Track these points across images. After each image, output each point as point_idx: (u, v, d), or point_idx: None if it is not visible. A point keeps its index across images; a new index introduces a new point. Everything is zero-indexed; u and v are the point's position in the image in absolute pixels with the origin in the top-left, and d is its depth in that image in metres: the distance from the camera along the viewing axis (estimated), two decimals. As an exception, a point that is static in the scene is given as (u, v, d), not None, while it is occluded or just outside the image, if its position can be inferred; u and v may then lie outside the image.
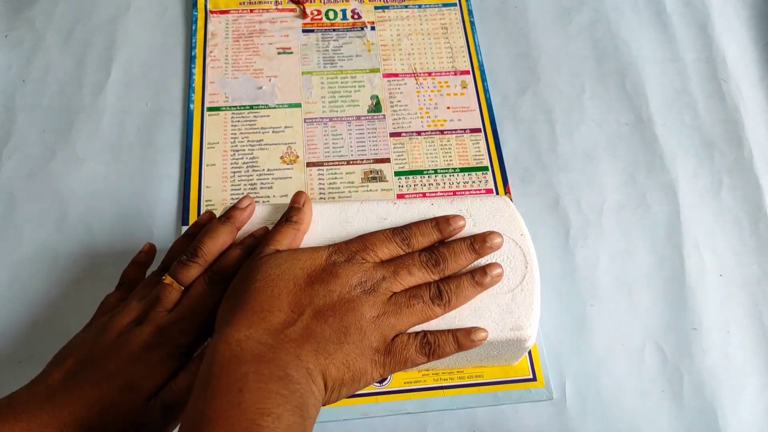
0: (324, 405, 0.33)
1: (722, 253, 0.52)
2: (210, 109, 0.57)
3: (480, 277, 0.37)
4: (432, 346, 0.36)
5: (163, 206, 0.52)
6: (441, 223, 0.39)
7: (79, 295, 0.48)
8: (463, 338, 0.36)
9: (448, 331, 0.37)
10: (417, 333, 0.36)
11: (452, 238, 0.39)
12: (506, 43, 0.62)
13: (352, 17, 0.63)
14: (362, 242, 0.37)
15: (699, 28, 0.64)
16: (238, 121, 0.56)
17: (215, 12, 0.62)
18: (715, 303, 0.50)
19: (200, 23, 0.61)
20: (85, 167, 0.53)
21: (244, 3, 0.62)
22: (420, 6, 0.64)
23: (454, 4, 0.64)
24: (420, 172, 0.55)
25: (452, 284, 0.37)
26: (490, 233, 0.39)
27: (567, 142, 0.57)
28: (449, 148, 0.56)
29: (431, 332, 0.36)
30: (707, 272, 0.51)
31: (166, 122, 0.56)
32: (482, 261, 0.39)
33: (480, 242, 0.38)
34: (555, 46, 0.62)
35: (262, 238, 0.38)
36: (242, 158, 0.54)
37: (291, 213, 0.39)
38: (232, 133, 0.56)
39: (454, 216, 0.40)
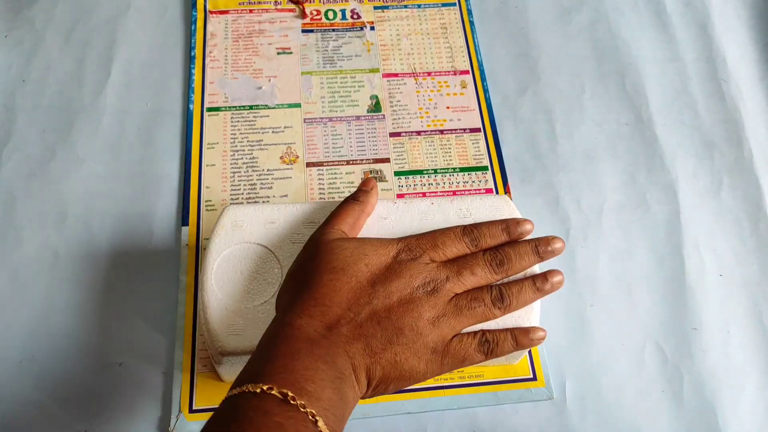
0: (367, 398, 0.34)
1: (722, 253, 0.52)
2: (209, 109, 0.57)
3: (541, 283, 0.38)
4: (491, 344, 0.36)
5: (163, 206, 0.52)
6: (511, 225, 0.39)
7: (79, 295, 0.48)
8: (521, 337, 0.37)
9: (507, 330, 0.37)
10: (475, 332, 0.36)
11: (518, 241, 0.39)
12: (506, 43, 0.62)
13: (352, 17, 0.63)
14: (432, 240, 0.37)
15: (699, 28, 0.64)
16: (238, 121, 0.56)
17: (214, 12, 0.62)
18: (715, 303, 0.50)
19: (200, 23, 0.61)
20: (85, 167, 0.53)
21: (243, 3, 0.62)
22: (419, 6, 0.64)
23: (454, 4, 0.64)
24: (420, 172, 0.55)
25: (514, 288, 0.37)
26: (554, 238, 0.38)
27: (567, 142, 0.57)
28: (449, 148, 0.56)
29: (489, 331, 0.36)
30: (707, 272, 0.51)
31: (166, 122, 0.56)
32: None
33: (544, 245, 0.38)
34: (555, 46, 0.62)
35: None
36: (242, 158, 0.54)
37: (358, 194, 0.40)
38: (231, 134, 0.56)
39: (525, 219, 0.40)
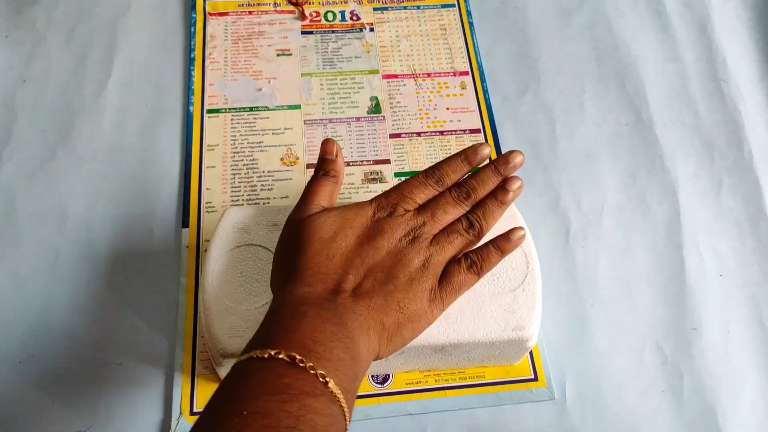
0: (384, 355, 0.35)
1: (722, 253, 0.52)
2: (209, 111, 0.57)
3: (502, 195, 0.39)
4: (478, 262, 0.38)
5: (163, 207, 0.52)
6: (470, 155, 0.40)
7: (79, 295, 0.48)
8: (503, 243, 0.38)
9: (488, 242, 0.38)
10: (460, 258, 0.38)
11: (480, 174, 0.40)
12: (506, 43, 0.62)
13: (351, 18, 0.63)
14: (400, 192, 0.38)
15: (699, 28, 0.64)
16: (238, 123, 0.56)
17: (214, 14, 0.62)
18: (715, 303, 0.50)
19: (199, 25, 0.61)
20: (86, 167, 0.53)
21: (242, 5, 0.62)
22: (419, 7, 0.64)
23: (453, 5, 0.64)
24: (420, 173, 0.55)
25: (479, 212, 0.38)
26: (511, 152, 0.39)
27: (567, 142, 0.57)
28: (449, 149, 0.56)
29: (472, 251, 0.38)
30: (707, 272, 0.51)
31: (166, 123, 0.56)
32: None
33: (503, 164, 0.39)
34: (555, 46, 0.62)
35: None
36: (242, 160, 0.54)
37: (326, 165, 0.40)
38: (231, 135, 0.56)
39: (480, 145, 0.40)
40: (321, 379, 0.29)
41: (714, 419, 0.46)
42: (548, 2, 0.65)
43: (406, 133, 0.57)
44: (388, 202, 0.38)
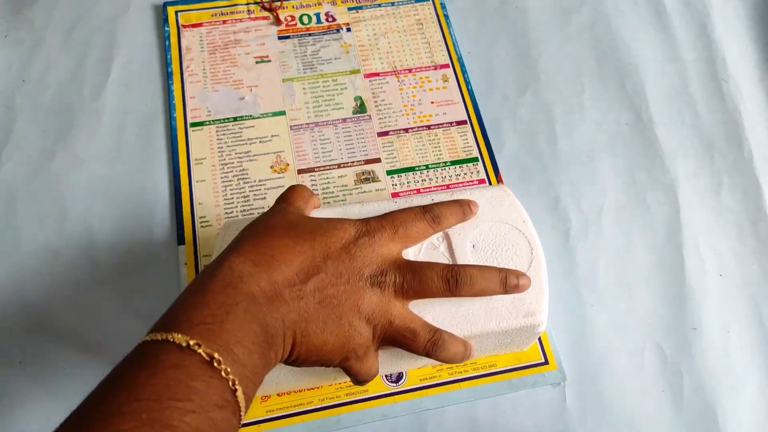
0: (290, 364, 0.33)
1: (722, 253, 0.52)
2: (193, 124, 0.55)
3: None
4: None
5: (162, 207, 0.52)
6: (464, 206, 0.40)
7: (79, 295, 0.48)
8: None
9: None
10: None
11: (486, 264, 0.38)
12: (506, 43, 0.62)
13: (327, 20, 0.62)
14: (392, 222, 0.36)
15: (699, 28, 0.64)
16: (224, 134, 0.55)
17: (187, 26, 0.60)
18: (715, 303, 0.50)
19: (173, 39, 0.60)
20: (85, 167, 0.53)
21: (216, 15, 0.61)
22: (393, 4, 0.63)
23: (426, 0, 0.64)
24: (412, 169, 0.54)
25: (450, 342, 0.36)
26: (524, 274, 0.37)
27: (567, 142, 0.57)
28: (437, 143, 0.56)
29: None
30: (707, 272, 0.51)
31: (165, 123, 0.56)
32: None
33: (513, 277, 0.37)
34: (555, 46, 0.62)
35: None
36: (232, 171, 0.53)
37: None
38: (218, 147, 0.55)
39: (473, 201, 0.40)
40: (232, 386, 0.27)
41: (714, 419, 0.46)
42: (548, 2, 0.65)
43: (393, 130, 0.56)
44: (379, 226, 0.36)
